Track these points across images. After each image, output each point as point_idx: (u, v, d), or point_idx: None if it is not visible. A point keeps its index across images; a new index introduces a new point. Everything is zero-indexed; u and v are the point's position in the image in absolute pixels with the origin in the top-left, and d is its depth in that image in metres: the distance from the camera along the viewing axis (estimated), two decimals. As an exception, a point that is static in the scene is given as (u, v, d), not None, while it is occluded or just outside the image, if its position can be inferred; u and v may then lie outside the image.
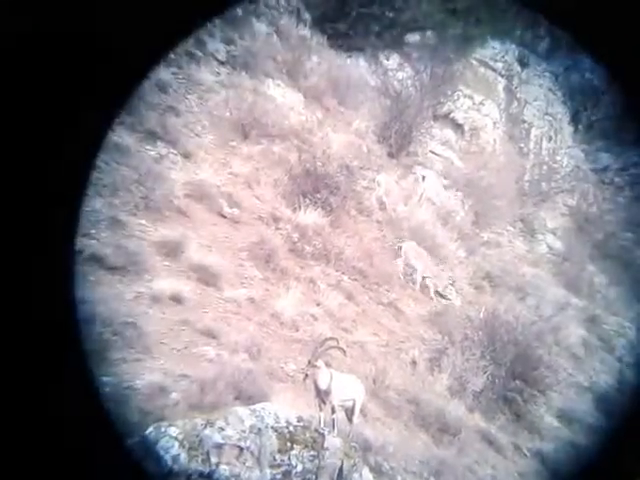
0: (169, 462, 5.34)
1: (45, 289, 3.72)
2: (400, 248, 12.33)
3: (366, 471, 6.31)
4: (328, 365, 6.84)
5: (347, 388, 6.99)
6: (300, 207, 11.46)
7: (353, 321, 10.21)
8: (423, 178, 14.92)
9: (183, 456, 5.41)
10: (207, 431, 5.64)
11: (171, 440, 5.45)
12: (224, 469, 5.53)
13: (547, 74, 19.22)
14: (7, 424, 3.43)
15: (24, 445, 3.47)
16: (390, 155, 15.47)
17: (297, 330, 9.09)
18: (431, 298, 12.13)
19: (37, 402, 3.53)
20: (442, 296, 12.20)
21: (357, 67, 17.22)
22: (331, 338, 7.16)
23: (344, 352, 7.27)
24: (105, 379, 5.67)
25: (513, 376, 10.19)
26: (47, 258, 3.75)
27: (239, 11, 14.27)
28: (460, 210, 15.15)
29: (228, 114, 12.65)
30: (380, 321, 10.71)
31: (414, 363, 10.02)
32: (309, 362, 6.69)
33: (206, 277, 8.89)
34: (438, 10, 16.47)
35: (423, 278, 12.19)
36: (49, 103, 3.62)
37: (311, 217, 11.35)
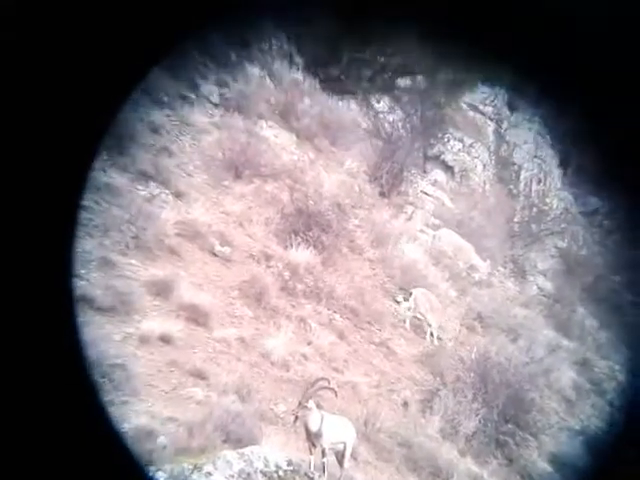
0: (156, 508, 5.22)
1: (44, 334, 3.68)
2: (410, 294, 12.24)
3: (357, 517, 6.19)
4: (319, 406, 6.76)
5: (338, 430, 6.89)
6: (292, 245, 11.49)
7: (344, 361, 10.12)
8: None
9: (170, 502, 5.30)
10: (195, 476, 5.54)
11: (158, 485, 5.34)
12: (211, 516, 5.41)
13: (536, 118, 19.62)
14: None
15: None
16: (382, 194, 15.64)
17: (288, 370, 9.00)
18: (424, 338, 12.05)
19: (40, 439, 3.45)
20: (433, 336, 12.13)
21: (349, 109, 17.53)
22: (322, 378, 7.09)
23: (335, 393, 7.19)
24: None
25: (505, 419, 10.07)
26: (43, 302, 3.72)
27: (232, 55, 14.57)
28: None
29: (221, 154, 12.79)
30: (372, 361, 10.62)
31: (406, 405, 9.91)
32: (300, 403, 6.61)
33: (196, 316, 8.83)
34: (429, 55, 16.88)
35: (430, 329, 12.06)
36: (34, 141, 3.61)
37: (303, 255, 11.36)
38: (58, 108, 3.63)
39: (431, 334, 12.03)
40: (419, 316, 12.09)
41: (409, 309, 12.07)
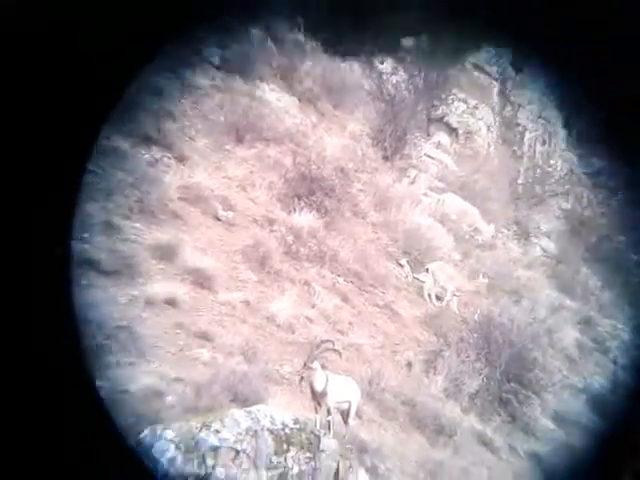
0: (165, 465, 5.33)
1: (41, 294, 3.72)
2: (427, 270, 12.27)
3: (362, 472, 6.33)
4: (324, 367, 6.83)
5: (343, 390, 6.99)
6: (295, 209, 11.48)
7: (349, 323, 10.21)
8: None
9: (179, 459, 5.41)
10: (203, 434, 5.63)
11: (167, 443, 5.44)
12: (220, 472, 5.52)
13: (541, 78, 19.29)
14: (7, 427, 3.43)
15: (24, 447, 3.47)
16: (385, 158, 15.51)
17: (292, 332, 9.09)
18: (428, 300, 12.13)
19: (36, 406, 3.52)
20: (438, 298, 12.21)
21: (351, 71, 17.27)
22: (327, 340, 7.14)
23: (340, 354, 7.27)
24: (99, 383, 5.64)
25: (508, 378, 10.19)
26: (42, 263, 3.75)
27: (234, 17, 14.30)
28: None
29: (222, 118, 12.68)
30: (375, 323, 10.71)
31: (410, 365, 10.03)
32: (305, 364, 6.69)
33: (201, 280, 8.89)
34: (432, 15, 16.55)
35: (428, 291, 12.17)
36: (41, 109, 3.62)
37: (306, 219, 11.36)
38: (67, 75, 3.63)
39: (429, 295, 12.09)
40: (440, 289, 12.15)
41: (430, 286, 12.14)
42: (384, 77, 17.51)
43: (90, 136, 4.09)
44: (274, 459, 5.84)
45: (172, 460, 5.36)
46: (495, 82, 19.02)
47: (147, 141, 10.77)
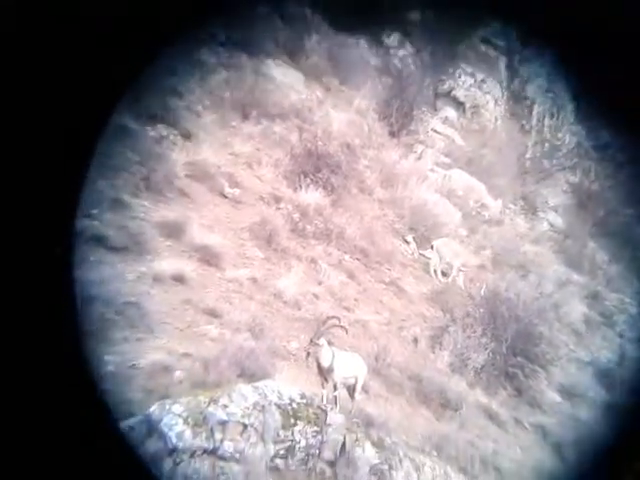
0: (173, 439, 5.43)
1: (49, 270, 3.76)
2: (432, 247, 12.25)
3: (368, 446, 6.41)
4: (330, 343, 6.90)
5: (349, 365, 7.06)
6: (301, 187, 11.47)
7: (355, 300, 10.26)
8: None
9: (187, 433, 5.50)
10: (211, 408, 5.73)
11: (175, 417, 5.54)
12: (228, 445, 5.62)
13: (548, 52, 18.99)
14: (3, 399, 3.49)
15: (18, 419, 3.53)
16: (391, 134, 15.41)
17: (299, 309, 9.15)
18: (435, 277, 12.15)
19: (33, 380, 3.58)
20: (444, 274, 12.22)
21: (358, 46, 17.08)
22: (333, 317, 7.20)
23: (346, 330, 7.33)
24: (108, 358, 5.73)
25: (514, 352, 10.23)
26: (48, 238, 3.79)
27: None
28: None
29: (228, 94, 12.61)
30: (381, 300, 10.75)
31: (416, 341, 10.08)
32: (311, 340, 6.75)
33: (208, 257, 8.94)
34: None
35: (434, 267, 12.18)
36: (49, 87, 3.63)
37: (312, 197, 11.36)
38: (79, 57, 3.64)
39: (434, 272, 12.11)
40: (446, 265, 12.16)
41: (435, 262, 12.13)
42: (391, 52, 17.33)
43: (103, 115, 4.11)
44: (281, 433, 5.94)
45: (180, 434, 5.46)
46: (502, 55, 18.77)
47: (153, 119, 10.75)
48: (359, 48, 17.10)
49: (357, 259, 11.30)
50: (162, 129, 10.85)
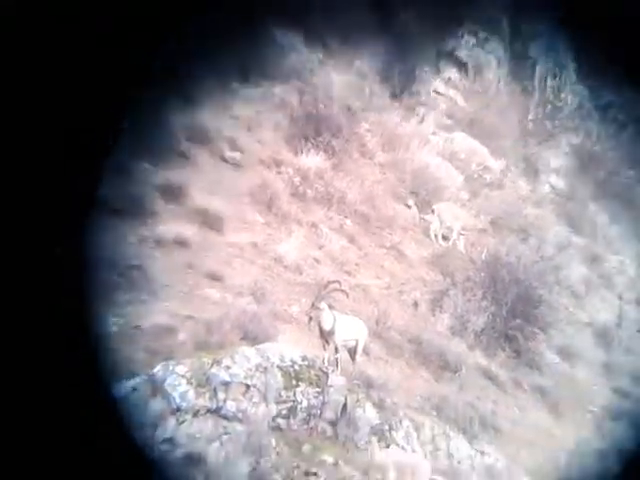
0: (177, 399, 5.52)
1: (56, 235, 3.78)
2: (433, 211, 12.20)
3: (369, 406, 6.52)
4: (331, 307, 6.94)
5: (350, 329, 7.13)
6: (302, 150, 11.40)
7: (355, 264, 10.30)
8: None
9: (191, 393, 5.60)
10: (214, 369, 5.81)
11: (178, 378, 5.63)
12: (231, 405, 5.72)
13: (551, 9, 18.57)
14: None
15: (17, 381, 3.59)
16: (393, 96, 15.21)
17: (300, 273, 9.20)
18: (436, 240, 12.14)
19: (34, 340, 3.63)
20: (445, 238, 12.21)
21: (359, 5, 16.69)
22: (334, 281, 7.23)
23: (347, 294, 7.36)
24: (112, 319, 5.78)
25: (514, 315, 10.29)
26: (56, 205, 3.80)
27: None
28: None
29: (227, 56, 12.40)
30: (382, 264, 10.79)
31: (416, 304, 10.15)
32: (312, 304, 6.80)
33: (209, 221, 8.97)
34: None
35: (435, 231, 12.17)
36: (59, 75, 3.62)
37: (313, 160, 11.30)
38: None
39: (435, 236, 12.11)
40: (446, 229, 12.13)
41: (436, 226, 12.10)
42: (393, 11, 16.94)
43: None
44: (283, 393, 6.04)
45: (184, 394, 5.55)
46: (505, 13, 18.36)
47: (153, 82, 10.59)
48: (360, 6, 16.74)
49: (358, 223, 11.31)
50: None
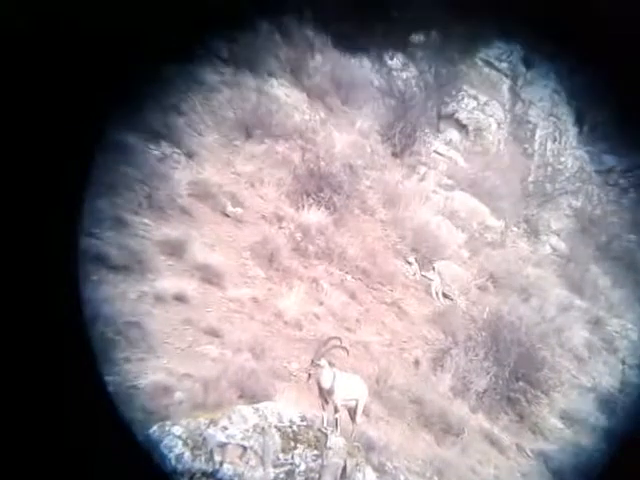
0: (173, 461, 5.34)
1: (49, 289, 3.73)
2: (434, 269, 12.26)
3: (369, 470, 6.31)
4: (331, 364, 6.81)
5: (350, 388, 6.97)
6: (304, 206, 11.47)
7: (356, 320, 10.20)
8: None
9: (187, 455, 5.41)
10: (211, 430, 5.64)
11: (175, 439, 5.45)
12: (228, 468, 5.53)
13: (552, 74, 19.16)
14: (12, 422, 3.44)
15: (30, 444, 3.48)
16: (394, 155, 15.48)
17: (300, 329, 9.09)
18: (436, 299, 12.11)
19: (42, 401, 3.54)
20: (446, 296, 12.17)
21: (361, 67, 17.21)
22: (334, 337, 7.12)
23: (347, 352, 7.24)
24: (109, 378, 5.65)
25: (516, 377, 10.15)
26: (50, 258, 3.76)
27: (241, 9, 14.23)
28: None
29: (232, 114, 12.68)
30: (383, 321, 10.70)
31: (417, 363, 10.01)
32: (312, 361, 6.67)
33: (209, 276, 8.90)
34: (443, 10, 16.47)
35: (436, 288, 12.16)
36: (48, 103, 3.62)
37: (315, 216, 11.35)
38: (74, 70, 3.63)
39: (436, 294, 12.07)
40: (447, 287, 12.14)
41: (437, 284, 12.14)
42: (394, 73, 17.46)
43: (97, 131, 4.09)
44: (281, 456, 5.84)
45: (180, 456, 5.37)
46: (505, 78, 18.93)
47: (156, 137, 10.78)
48: (362, 69, 17.23)
49: (359, 279, 11.27)
50: (165, 147, 10.87)
